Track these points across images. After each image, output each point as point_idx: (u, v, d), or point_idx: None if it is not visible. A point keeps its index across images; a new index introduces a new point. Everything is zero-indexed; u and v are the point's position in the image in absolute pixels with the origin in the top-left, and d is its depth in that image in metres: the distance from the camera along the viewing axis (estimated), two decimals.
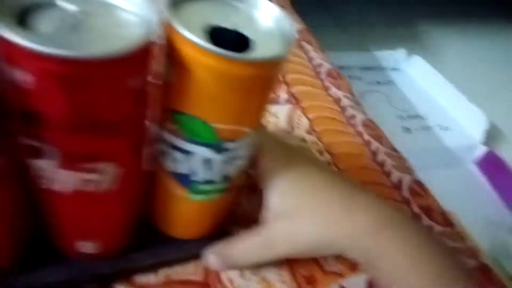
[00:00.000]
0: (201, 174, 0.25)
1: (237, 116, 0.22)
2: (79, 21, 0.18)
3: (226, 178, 0.26)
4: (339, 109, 0.51)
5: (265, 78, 0.21)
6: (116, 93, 0.18)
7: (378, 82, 1.35)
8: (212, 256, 0.31)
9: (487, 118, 1.16)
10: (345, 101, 0.53)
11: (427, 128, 1.24)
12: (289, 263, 0.32)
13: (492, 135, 1.18)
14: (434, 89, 1.34)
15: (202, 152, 0.24)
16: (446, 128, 1.24)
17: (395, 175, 0.43)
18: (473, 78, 1.39)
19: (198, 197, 0.27)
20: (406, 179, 0.43)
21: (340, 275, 0.32)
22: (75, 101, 0.17)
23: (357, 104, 0.53)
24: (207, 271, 0.31)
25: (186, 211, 0.29)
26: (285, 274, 0.32)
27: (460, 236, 0.37)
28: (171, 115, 0.23)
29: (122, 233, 0.28)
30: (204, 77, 0.20)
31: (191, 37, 0.19)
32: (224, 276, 0.31)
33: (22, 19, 0.17)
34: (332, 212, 0.28)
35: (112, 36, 0.18)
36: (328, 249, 0.28)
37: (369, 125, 0.50)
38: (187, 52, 0.19)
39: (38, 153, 0.20)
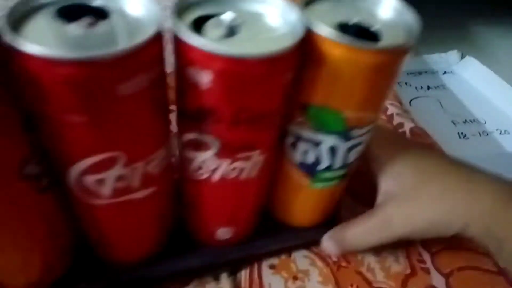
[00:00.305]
0: (325, 162, 0.27)
1: (365, 103, 0.24)
2: (237, 27, 0.21)
3: (346, 165, 0.28)
4: (385, 118, 0.51)
5: (392, 65, 0.23)
6: (272, 89, 0.21)
7: (429, 87, 1.30)
8: (329, 242, 0.32)
9: None
10: (392, 109, 0.52)
11: (485, 133, 1.18)
12: (336, 278, 0.31)
13: None
14: (490, 92, 1.27)
15: (329, 141, 0.26)
16: (506, 132, 1.17)
17: None
18: None
19: (319, 185, 0.29)
20: None
21: None
22: (242, 97, 0.20)
23: (405, 112, 0.52)
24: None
25: (306, 199, 0.31)
26: None
27: None
28: (301, 108, 0.25)
29: (252, 220, 0.31)
30: (337, 69, 0.22)
31: (326, 32, 0.21)
32: None
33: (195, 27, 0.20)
34: (451, 191, 0.28)
35: (266, 39, 0.21)
36: (448, 228, 0.28)
37: (418, 133, 0.49)
38: (320, 47, 0.22)
39: (200, 146, 0.23)
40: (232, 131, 0.22)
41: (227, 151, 0.23)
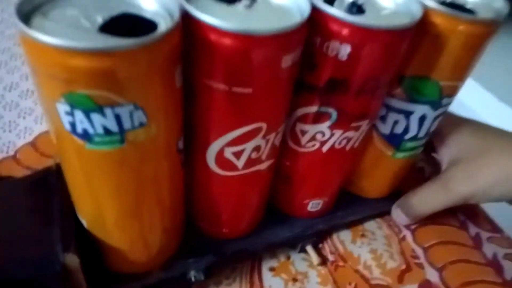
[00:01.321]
0: (413, 131, 0.30)
1: (461, 73, 0.27)
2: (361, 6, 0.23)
3: (428, 134, 0.31)
4: None
5: (486, 37, 0.26)
6: (396, 59, 0.23)
7: None
8: (398, 210, 0.35)
9: None
10: None
11: None
12: (334, 278, 0.32)
13: None
14: None
15: (421, 110, 0.28)
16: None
17: None
18: None
19: (401, 155, 0.32)
20: None
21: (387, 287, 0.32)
22: (373, 67, 0.22)
23: None
24: None
25: (385, 170, 0.33)
26: (329, 286, 0.31)
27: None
28: (398, 79, 0.27)
29: (338, 191, 0.33)
30: (441, 40, 0.25)
31: (435, 5, 0.23)
32: None
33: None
34: None
35: (389, 15, 0.23)
36: (509, 189, 0.30)
37: None
38: (428, 20, 0.24)
39: (318, 119, 0.25)
40: (354, 101, 0.24)
41: (343, 122, 0.25)
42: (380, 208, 0.36)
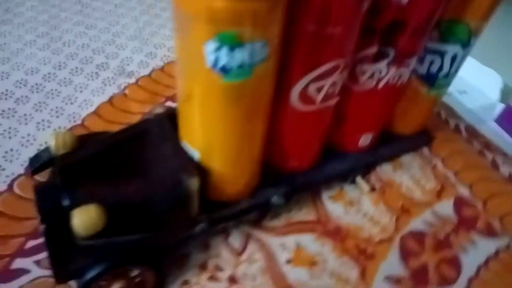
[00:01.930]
0: (445, 70, 0.35)
1: (488, 13, 0.32)
2: None
3: (457, 72, 0.37)
4: None
5: None
6: (442, 1, 0.29)
7: None
8: None
9: (501, 78, 1.21)
10: None
11: (448, 94, 1.29)
12: (383, 200, 0.38)
13: (507, 93, 1.22)
14: None
15: (453, 49, 0.34)
16: (464, 92, 1.29)
17: None
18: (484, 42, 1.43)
19: (434, 92, 0.38)
20: None
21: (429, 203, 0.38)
22: (427, 9, 0.28)
23: None
24: (318, 212, 0.37)
25: (420, 107, 0.39)
26: (381, 206, 0.37)
27: None
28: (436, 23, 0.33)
29: (382, 127, 0.38)
30: None
31: None
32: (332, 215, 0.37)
33: None
34: None
35: None
36: None
37: None
38: None
39: (378, 58, 0.30)
40: (408, 40, 0.29)
41: (398, 59, 0.30)
42: (415, 143, 0.42)
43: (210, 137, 0.26)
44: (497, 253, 0.35)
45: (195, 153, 0.28)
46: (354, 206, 0.37)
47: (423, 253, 0.34)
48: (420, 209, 0.37)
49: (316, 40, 0.25)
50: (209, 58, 0.21)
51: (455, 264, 0.34)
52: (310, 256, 0.33)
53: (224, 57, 0.21)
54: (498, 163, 0.43)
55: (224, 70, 0.22)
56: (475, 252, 0.35)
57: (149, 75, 0.50)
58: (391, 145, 0.41)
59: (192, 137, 0.27)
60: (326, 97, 0.29)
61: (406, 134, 0.42)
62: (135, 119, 0.43)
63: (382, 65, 0.31)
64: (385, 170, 0.41)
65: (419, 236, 0.35)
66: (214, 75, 0.22)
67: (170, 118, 0.29)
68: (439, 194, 0.39)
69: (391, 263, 0.33)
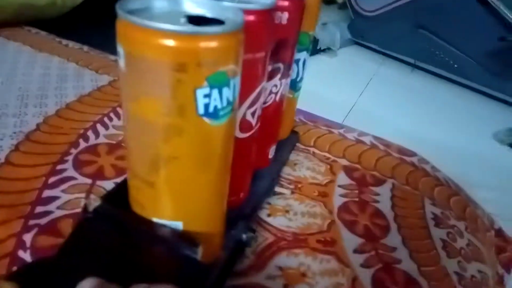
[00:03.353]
0: (300, 74, 0.43)
1: (316, 22, 0.41)
2: None
3: (303, 75, 0.45)
4: None
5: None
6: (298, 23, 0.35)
7: None
8: None
9: None
10: None
11: None
12: (302, 193, 0.49)
13: None
14: None
15: (303, 56, 0.42)
16: None
17: None
18: None
19: (296, 95, 0.45)
20: None
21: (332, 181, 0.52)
22: (299, 27, 0.34)
23: None
24: (272, 233, 0.47)
25: (290, 111, 0.45)
26: (306, 200, 0.50)
27: None
28: None
29: None
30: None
31: None
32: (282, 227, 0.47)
33: None
34: None
35: None
36: None
37: None
38: None
39: (274, 73, 0.35)
40: (290, 54, 0.35)
41: (285, 71, 0.36)
42: (294, 141, 0.49)
43: (195, 195, 0.24)
44: (392, 189, 0.45)
45: (177, 224, 0.25)
46: (290, 211, 0.40)
47: (358, 216, 0.41)
48: (331, 189, 0.44)
49: (249, 65, 0.27)
50: (200, 105, 0.20)
51: (379, 213, 0.42)
52: (296, 269, 0.34)
53: (216, 98, 0.21)
54: (343, 133, 0.54)
55: (215, 112, 0.21)
56: (383, 197, 0.44)
57: None
58: (282, 150, 0.46)
59: (172, 208, 0.25)
60: (257, 120, 0.31)
61: (284, 137, 0.47)
62: None
63: (276, 79, 0.35)
64: (288, 173, 0.45)
65: (348, 208, 0.42)
66: (203, 122, 0.21)
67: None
68: (332, 171, 0.46)
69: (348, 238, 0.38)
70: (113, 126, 0.47)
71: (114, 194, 0.26)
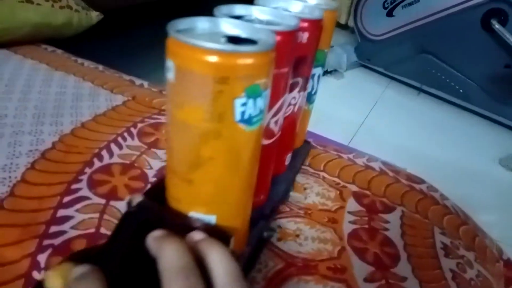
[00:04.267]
0: (314, 88, 0.44)
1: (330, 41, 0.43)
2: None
3: (317, 89, 0.46)
4: None
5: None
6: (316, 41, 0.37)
7: None
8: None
9: None
10: None
11: None
12: (312, 219, 0.50)
13: None
14: None
15: (318, 71, 0.43)
16: None
17: None
18: None
19: (311, 107, 0.46)
20: None
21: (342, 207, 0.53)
22: (317, 43, 0.36)
23: None
24: (282, 258, 0.47)
25: (304, 122, 0.47)
26: (317, 226, 0.51)
27: None
28: None
29: None
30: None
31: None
32: (292, 252, 0.48)
33: None
34: None
35: None
36: None
37: None
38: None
39: (293, 87, 0.36)
40: (308, 69, 0.37)
41: (304, 85, 0.38)
42: (306, 150, 0.51)
43: (228, 192, 0.27)
44: (401, 217, 0.45)
45: (211, 218, 0.27)
46: (301, 236, 0.40)
47: (368, 243, 0.41)
48: (340, 215, 0.44)
49: (275, 79, 0.29)
50: (238, 112, 0.23)
51: (389, 241, 0.42)
52: None
53: (251, 107, 0.23)
54: (352, 158, 0.55)
55: (249, 119, 0.24)
56: (393, 224, 0.44)
57: None
58: (296, 158, 0.47)
59: (207, 202, 0.27)
60: (279, 129, 0.34)
61: (298, 147, 0.48)
62: None
63: (295, 92, 0.37)
64: (298, 199, 0.45)
65: (357, 235, 0.42)
66: (239, 127, 0.24)
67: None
68: (342, 197, 0.47)
69: (358, 266, 0.38)
70: (127, 146, 0.48)
71: (153, 191, 0.29)
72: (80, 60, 0.70)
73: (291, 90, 0.36)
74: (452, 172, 1.34)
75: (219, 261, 0.23)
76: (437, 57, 1.74)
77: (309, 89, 0.43)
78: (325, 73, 1.94)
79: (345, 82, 1.95)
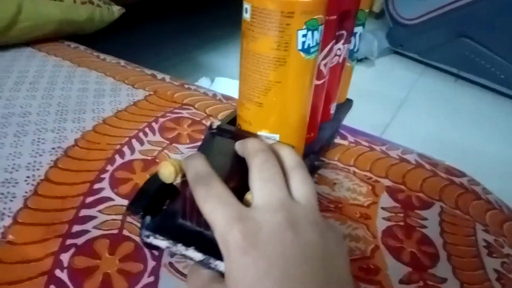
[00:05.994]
0: (356, 46, 0.43)
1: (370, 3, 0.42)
2: None
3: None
4: None
5: None
6: None
7: None
8: None
9: None
10: None
11: None
12: (343, 213, 0.47)
13: None
14: None
15: (359, 30, 0.42)
16: None
17: None
18: None
19: (352, 64, 0.45)
20: None
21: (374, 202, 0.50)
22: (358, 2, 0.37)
23: None
24: None
25: (347, 78, 0.46)
26: (348, 221, 0.47)
27: None
28: None
29: None
30: None
31: None
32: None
33: None
34: None
35: None
36: None
37: None
38: None
39: (339, 39, 0.37)
40: (352, 24, 0.39)
41: (348, 38, 0.39)
42: (348, 107, 0.49)
43: (290, 113, 0.32)
44: (440, 213, 0.42)
45: (275, 136, 0.33)
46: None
47: (403, 242, 0.38)
48: (373, 211, 0.41)
49: (326, 25, 0.31)
50: (299, 42, 0.29)
51: (427, 239, 0.39)
52: None
53: (309, 38, 0.29)
54: (386, 150, 0.51)
55: (308, 48, 0.29)
56: (431, 221, 0.41)
57: None
58: (340, 112, 0.46)
59: (273, 122, 0.32)
60: (327, 71, 0.37)
61: (340, 102, 0.47)
62: None
63: (340, 44, 0.38)
64: (327, 192, 0.43)
65: (392, 233, 0.39)
66: (300, 55, 0.29)
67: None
68: (375, 192, 0.44)
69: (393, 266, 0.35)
70: (148, 142, 0.47)
71: (228, 118, 0.36)
72: (102, 56, 0.70)
73: (337, 41, 0.37)
74: (494, 164, 1.26)
75: (288, 154, 0.28)
76: (476, 41, 1.65)
77: (351, 47, 0.43)
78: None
79: (376, 70, 1.87)
